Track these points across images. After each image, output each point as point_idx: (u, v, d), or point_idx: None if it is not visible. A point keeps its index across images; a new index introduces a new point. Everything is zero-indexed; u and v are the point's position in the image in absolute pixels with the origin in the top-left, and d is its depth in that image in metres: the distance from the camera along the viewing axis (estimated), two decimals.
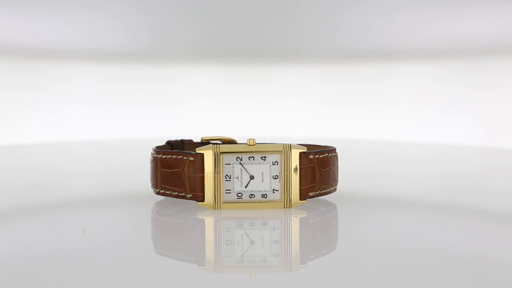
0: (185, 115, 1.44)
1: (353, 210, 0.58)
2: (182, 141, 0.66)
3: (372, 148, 1.20)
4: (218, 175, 0.53)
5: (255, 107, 1.45)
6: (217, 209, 0.54)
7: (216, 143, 0.62)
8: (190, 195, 0.54)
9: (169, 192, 0.55)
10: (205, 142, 0.64)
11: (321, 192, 0.56)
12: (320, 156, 0.55)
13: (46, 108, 1.40)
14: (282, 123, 1.45)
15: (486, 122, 1.36)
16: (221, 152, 0.53)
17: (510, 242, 0.50)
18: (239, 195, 0.54)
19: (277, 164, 0.54)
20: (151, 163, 0.57)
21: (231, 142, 0.62)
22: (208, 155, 0.53)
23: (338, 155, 0.59)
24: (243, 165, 0.54)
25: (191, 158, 0.54)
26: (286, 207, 0.54)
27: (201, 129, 1.34)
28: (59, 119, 1.40)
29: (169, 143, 0.65)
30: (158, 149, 0.58)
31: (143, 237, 0.51)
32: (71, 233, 0.50)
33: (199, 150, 0.54)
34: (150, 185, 0.58)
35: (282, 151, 0.54)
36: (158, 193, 0.57)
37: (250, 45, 1.43)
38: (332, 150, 0.57)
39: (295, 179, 0.54)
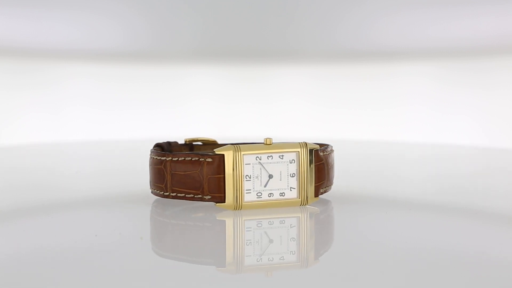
0: (185, 115, 1.44)
1: (354, 210, 0.58)
2: (169, 143, 0.65)
3: (372, 148, 1.20)
4: (239, 175, 0.53)
5: (255, 107, 1.45)
6: (238, 209, 0.54)
7: (198, 144, 0.63)
8: (209, 197, 0.54)
9: (183, 194, 0.55)
10: (188, 143, 0.64)
11: (326, 188, 0.57)
12: (326, 153, 0.56)
13: (46, 108, 1.39)
14: (282, 123, 1.45)
15: (486, 122, 1.35)
16: (242, 153, 0.54)
17: (510, 242, 0.50)
18: (258, 194, 0.54)
19: (294, 163, 0.54)
20: (155, 165, 0.56)
21: (213, 143, 0.62)
22: (228, 156, 0.53)
23: (337, 154, 0.60)
24: (263, 165, 0.54)
25: (209, 160, 0.53)
26: (303, 205, 0.55)
27: (201, 129, 1.34)
28: (59, 119, 1.40)
29: (159, 145, 0.64)
30: (162, 151, 0.58)
31: (158, 239, 0.51)
32: (71, 233, 0.50)
33: (218, 151, 0.54)
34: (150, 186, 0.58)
35: (298, 149, 0.54)
36: (167, 196, 0.56)
37: (250, 45, 1.42)
38: (331, 147, 0.58)
39: (310, 176, 0.54)
